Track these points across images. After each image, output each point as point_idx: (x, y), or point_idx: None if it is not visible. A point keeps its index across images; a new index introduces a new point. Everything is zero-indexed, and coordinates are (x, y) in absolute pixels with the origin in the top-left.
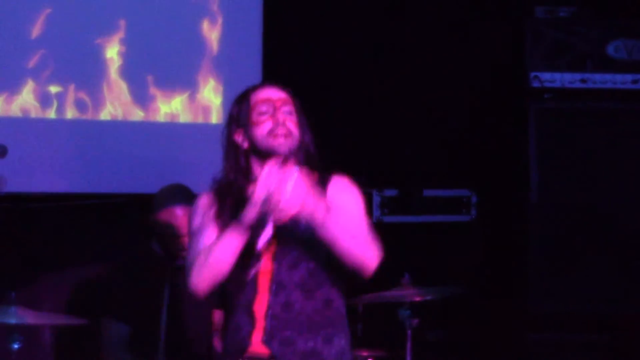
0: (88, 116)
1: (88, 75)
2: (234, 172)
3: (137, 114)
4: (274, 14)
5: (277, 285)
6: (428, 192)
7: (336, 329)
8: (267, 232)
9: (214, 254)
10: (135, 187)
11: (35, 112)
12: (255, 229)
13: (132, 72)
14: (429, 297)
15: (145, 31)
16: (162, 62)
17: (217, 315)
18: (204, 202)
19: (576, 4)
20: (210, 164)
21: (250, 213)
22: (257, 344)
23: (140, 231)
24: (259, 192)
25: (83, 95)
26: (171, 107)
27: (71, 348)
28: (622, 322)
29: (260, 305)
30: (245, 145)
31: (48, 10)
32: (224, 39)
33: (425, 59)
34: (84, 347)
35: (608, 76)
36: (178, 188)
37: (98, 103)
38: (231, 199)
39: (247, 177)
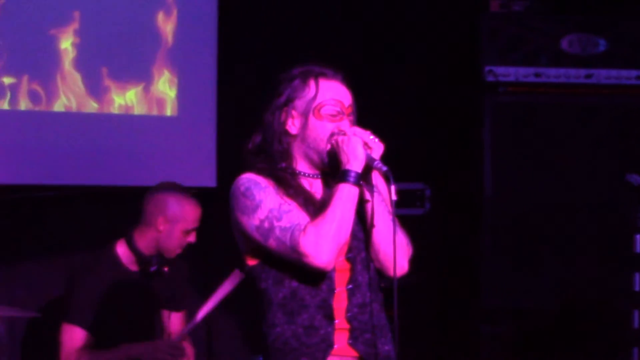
0: (42, 107)
1: (42, 66)
2: (280, 157)
3: (91, 106)
4: (230, 6)
5: (354, 285)
6: None
7: (389, 333)
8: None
9: (337, 219)
10: (90, 179)
11: None
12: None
13: (86, 63)
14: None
15: (100, 23)
16: (116, 54)
17: (175, 321)
18: (261, 179)
19: None
20: (165, 156)
21: (354, 163)
22: (342, 345)
23: (101, 230)
24: (354, 141)
25: (36, 87)
26: (125, 99)
27: (31, 344)
28: (573, 318)
29: (340, 305)
30: (294, 131)
31: (1, 1)
32: (179, 31)
33: (380, 53)
34: (43, 344)
35: (562, 70)
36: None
37: (52, 94)
38: (293, 184)
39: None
